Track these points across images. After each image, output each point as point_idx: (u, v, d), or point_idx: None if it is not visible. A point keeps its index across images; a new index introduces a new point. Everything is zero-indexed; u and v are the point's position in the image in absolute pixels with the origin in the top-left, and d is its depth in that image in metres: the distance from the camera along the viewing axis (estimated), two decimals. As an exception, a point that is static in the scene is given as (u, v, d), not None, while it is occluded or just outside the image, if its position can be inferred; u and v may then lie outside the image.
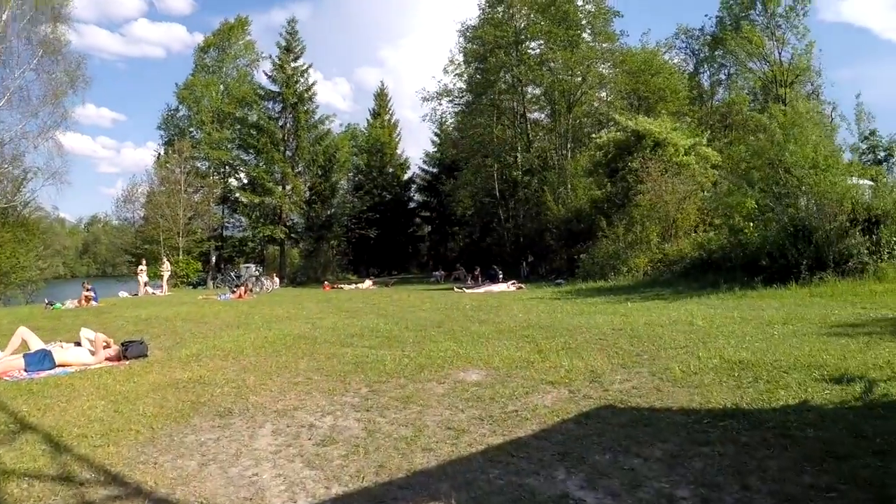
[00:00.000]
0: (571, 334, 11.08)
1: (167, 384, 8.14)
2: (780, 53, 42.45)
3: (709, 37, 46.80)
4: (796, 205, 18.07)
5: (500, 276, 32.93)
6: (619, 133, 31.33)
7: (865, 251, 16.48)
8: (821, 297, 14.80)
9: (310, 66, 51.05)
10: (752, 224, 19.10)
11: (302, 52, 51.00)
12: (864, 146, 18.39)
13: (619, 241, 26.28)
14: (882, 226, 16.79)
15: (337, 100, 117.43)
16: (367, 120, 68.34)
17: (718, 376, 7.27)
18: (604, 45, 42.81)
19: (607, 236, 27.19)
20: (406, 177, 66.64)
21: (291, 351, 10.53)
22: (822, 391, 6.39)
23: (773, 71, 41.57)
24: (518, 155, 44.19)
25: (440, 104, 49.00)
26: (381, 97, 69.81)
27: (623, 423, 5.78)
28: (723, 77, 47.98)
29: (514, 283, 28.14)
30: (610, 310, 15.11)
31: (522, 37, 42.96)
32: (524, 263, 38.61)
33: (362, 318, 15.72)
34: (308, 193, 50.21)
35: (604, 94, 43.95)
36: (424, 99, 48.47)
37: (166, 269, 36.41)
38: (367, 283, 37.49)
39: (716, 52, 46.25)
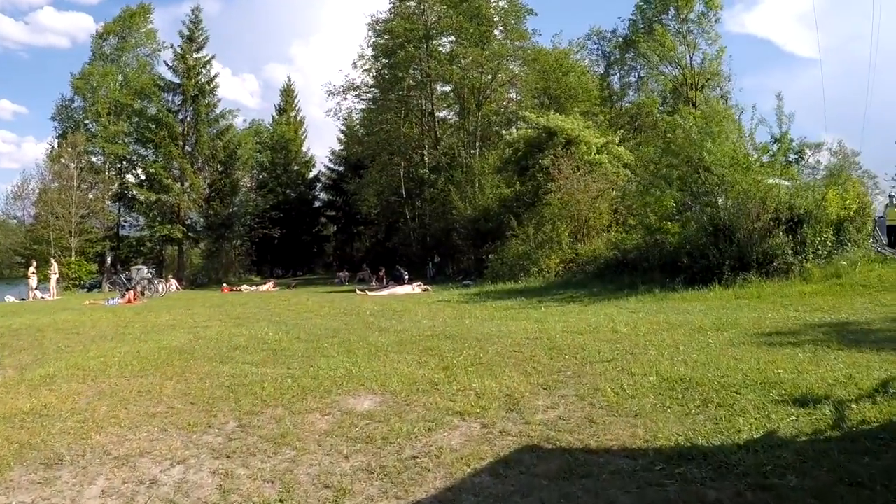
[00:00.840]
0: (482, 345, 9.71)
1: (1, 418, 6.52)
2: (691, 58, 42.58)
3: (621, 39, 46.61)
4: (716, 204, 17.29)
5: (406, 277, 31.57)
6: (529, 130, 30.46)
7: (790, 251, 15.84)
8: (747, 298, 14.01)
9: (213, 56, 48.23)
10: (670, 223, 18.28)
11: (205, 43, 48.21)
12: (775, 148, 17.77)
13: (529, 241, 25.15)
14: (805, 225, 16.18)
15: (245, 96, 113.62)
16: (273, 116, 65.67)
17: (660, 399, 6.06)
18: (515, 43, 42.07)
19: (517, 236, 26.06)
20: (311, 175, 64.39)
21: (161, 370, 8.85)
22: (788, 417, 5.32)
23: (683, 74, 41.63)
24: (425, 153, 43.00)
25: (345, 99, 47.36)
26: (288, 93, 67.16)
27: (553, 474, 4.44)
28: (633, 80, 47.92)
29: (419, 285, 26.91)
30: (523, 315, 13.92)
31: (433, 32, 41.82)
32: (430, 264, 37.51)
33: (252, 325, 14.09)
34: (207, 191, 47.45)
35: (513, 93, 43.18)
36: (330, 93, 46.72)
37: (53, 271, 33.32)
38: (269, 285, 35.69)
39: (626, 55, 46.11)
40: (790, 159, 18.50)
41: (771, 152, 17.89)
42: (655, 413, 5.64)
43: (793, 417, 5.29)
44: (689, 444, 4.82)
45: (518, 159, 30.91)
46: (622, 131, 34.96)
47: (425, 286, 26.84)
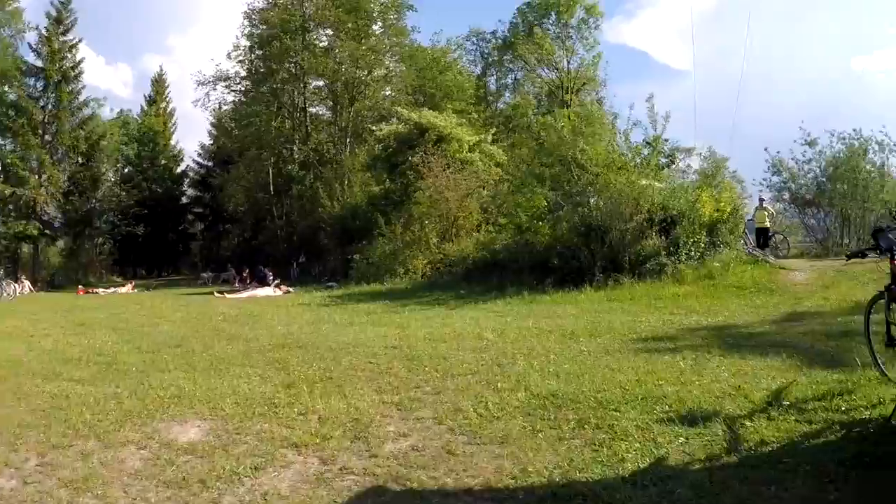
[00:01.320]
0: (335, 356, 8.59)
1: None
2: (568, 62, 43.05)
3: (500, 41, 46.59)
4: (588, 204, 16.85)
5: (270, 277, 29.86)
6: (401, 126, 29.48)
7: (663, 252, 15.51)
8: (620, 300, 13.49)
9: (80, 40, 44.29)
10: (541, 223, 17.69)
11: (73, 25, 44.15)
12: (647, 152, 17.61)
13: (396, 241, 24.23)
14: (678, 226, 15.91)
15: (118, 86, 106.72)
16: (142, 107, 61.34)
17: (529, 421, 5.15)
18: (394, 39, 41.30)
19: (384, 235, 25.06)
20: (179, 170, 60.57)
21: (-26, 389, 7.22)
22: (676, 440, 4.58)
23: (560, 78, 41.98)
24: (295, 148, 41.36)
25: (215, 89, 44.60)
26: (159, 83, 62.69)
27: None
28: (510, 81, 47.97)
29: (281, 287, 25.55)
30: (385, 319, 12.89)
31: (311, 24, 40.37)
32: (294, 265, 36.11)
33: (93, 334, 12.41)
34: (66, 184, 43.68)
35: (388, 90, 42.16)
36: (199, 83, 43.82)
37: None
38: (128, 286, 33.16)
39: (505, 57, 46.13)
40: (662, 162, 18.33)
41: (644, 154, 17.61)
42: (525, 439, 4.73)
43: (682, 440, 4.56)
44: (564, 480, 3.97)
45: (388, 156, 29.91)
46: (495, 130, 34.61)
47: (288, 288, 25.57)
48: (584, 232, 16.19)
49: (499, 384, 6.34)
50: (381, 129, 31.84)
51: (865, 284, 13.72)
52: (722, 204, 16.83)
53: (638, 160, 17.32)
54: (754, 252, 17.45)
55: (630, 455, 4.29)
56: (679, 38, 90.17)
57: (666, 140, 18.05)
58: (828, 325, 9.35)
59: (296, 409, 5.85)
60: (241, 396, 6.42)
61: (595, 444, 4.52)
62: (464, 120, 32.19)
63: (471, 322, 11.52)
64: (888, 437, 4.40)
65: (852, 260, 6.64)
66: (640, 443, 4.51)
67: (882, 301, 5.76)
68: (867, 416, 4.78)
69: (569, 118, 19.04)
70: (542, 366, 7.15)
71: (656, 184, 16.88)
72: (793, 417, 4.83)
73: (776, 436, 4.49)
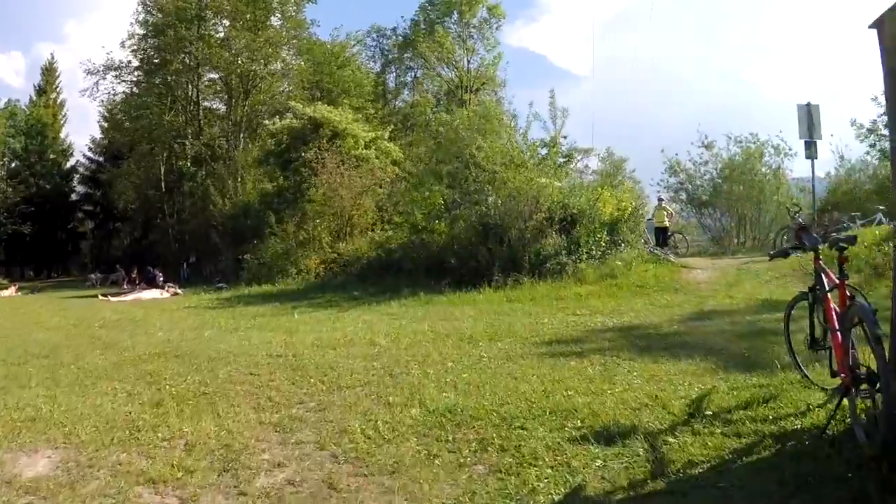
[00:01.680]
0: (213, 367, 7.64)
1: None
2: (468, 62, 42.78)
3: (401, 38, 45.87)
4: (487, 202, 16.33)
5: (160, 278, 28.10)
6: (295, 121, 28.26)
7: (564, 251, 15.05)
8: (520, 301, 12.93)
9: None
10: (438, 222, 17.06)
11: None
12: (545, 151, 17.34)
13: (289, 240, 23.25)
14: (579, 225, 15.55)
15: (10, 76, 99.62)
16: (31, 97, 57.20)
17: (425, 444, 4.45)
18: (292, 32, 40.15)
19: (276, 234, 24.04)
20: (69, 165, 56.81)
21: None
22: (592, 462, 3.99)
23: (460, 77, 41.67)
24: (188, 143, 39.38)
25: (104, 79, 41.72)
26: (49, 72, 58.12)
27: None
28: (409, 79, 47.31)
29: (170, 288, 24.11)
30: (272, 324, 11.96)
31: (207, 13, 38.62)
32: (184, 265, 34.45)
33: None
34: (-54, 180, 40.25)
35: (285, 84, 40.76)
36: (88, 72, 40.94)
37: None
38: (11, 289, 30.53)
39: (405, 55, 45.48)
40: (560, 162, 18.04)
41: (543, 153, 17.26)
42: (419, 467, 4.01)
43: (599, 462, 3.96)
44: (467, 522, 3.18)
45: (281, 152, 28.62)
46: (393, 128, 33.89)
47: (177, 289, 24.08)
48: (483, 231, 15.67)
49: (391, 398, 5.60)
50: (274, 124, 30.57)
51: (768, 282, 13.76)
52: (623, 203, 16.62)
53: (536, 158, 16.93)
54: (655, 251, 17.31)
55: (542, 485, 3.65)
56: (580, 44, 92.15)
57: (564, 137, 17.82)
58: (737, 324, 9.06)
59: (160, 434, 4.96)
60: (102, 418, 5.45)
61: (501, 472, 3.85)
62: (360, 116, 31.32)
63: (363, 326, 10.75)
64: (825, 451, 3.90)
65: (776, 259, 6.51)
66: (551, 468, 3.88)
67: (804, 301, 5.39)
68: (798, 427, 4.30)
69: (467, 116, 18.44)
70: (439, 375, 6.45)
71: (556, 182, 16.53)
72: (719, 430, 4.30)
73: (704, 454, 3.95)
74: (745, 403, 4.84)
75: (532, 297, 13.16)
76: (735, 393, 5.16)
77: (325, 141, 25.12)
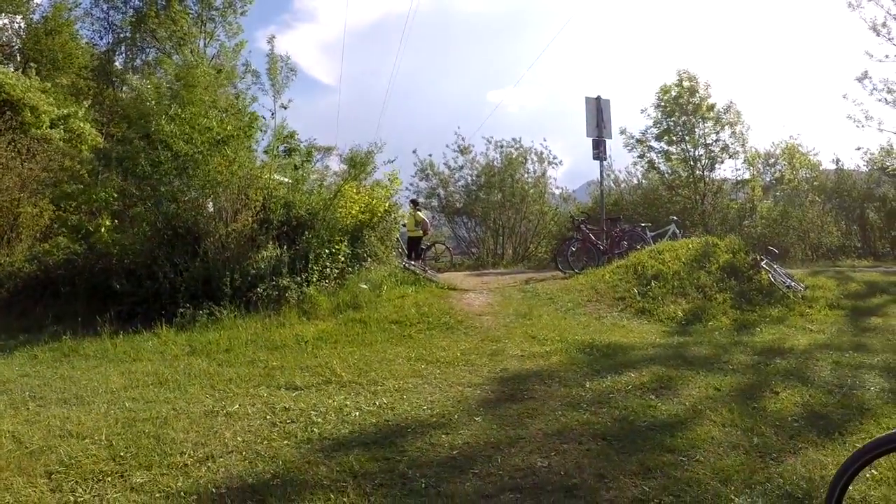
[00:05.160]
0: None
1: None
2: (205, 45, 37.40)
3: (133, 13, 39.26)
4: (175, 196, 11.27)
5: None
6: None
7: (285, 269, 10.47)
8: (208, 353, 8.20)
9: None
10: (105, 226, 11.84)
11: None
12: (283, 148, 13.37)
13: None
14: (308, 232, 11.04)
15: None
16: None
17: None
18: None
19: None
20: None
21: None
22: None
23: (196, 63, 36.09)
24: None
25: None
26: None
27: None
28: (139, 63, 40.69)
29: None
30: None
31: None
32: None
33: None
34: None
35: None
36: None
37: None
38: None
39: (137, 34, 38.99)
40: (295, 163, 13.72)
41: (262, 130, 12.82)
42: None
43: None
44: None
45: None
46: (88, 104, 27.36)
47: None
48: (169, 238, 10.69)
49: None
50: None
51: (571, 311, 10.28)
52: (373, 202, 12.44)
53: (251, 135, 12.25)
54: (412, 266, 13.16)
55: None
56: (328, 55, 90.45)
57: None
58: (575, 404, 5.58)
59: None
60: None
61: None
62: (50, 86, 24.64)
63: None
64: None
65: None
66: None
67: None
68: None
69: (159, 80, 13.45)
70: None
71: (279, 176, 12.05)
72: None
73: None
74: None
75: (229, 347, 8.45)
76: None
77: (-8, 110, 18.56)
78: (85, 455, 4.58)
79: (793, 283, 11.98)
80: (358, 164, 12.96)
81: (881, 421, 5.20)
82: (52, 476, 4.25)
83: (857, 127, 19.85)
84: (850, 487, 2.57)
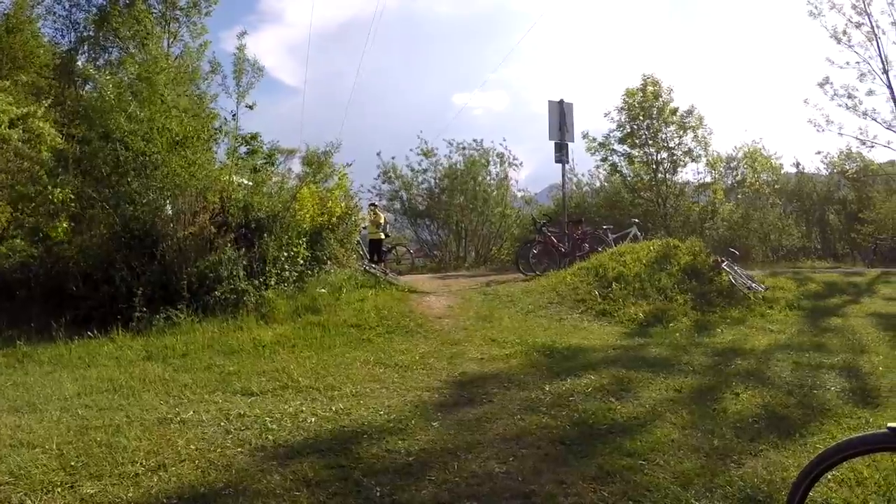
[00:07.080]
0: None
1: None
2: (168, 45, 36.94)
3: (95, 12, 38.66)
4: (132, 197, 11.10)
5: None
6: None
7: (243, 273, 10.39)
8: (165, 358, 8.08)
9: None
10: (61, 227, 11.67)
11: None
12: (245, 150, 13.40)
13: None
14: (267, 235, 10.95)
15: None
16: None
17: None
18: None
19: None
20: None
21: None
22: None
23: (158, 63, 35.58)
24: None
25: None
26: None
27: None
28: (102, 63, 40.05)
29: None
30: None
31: None
32: None
33: None
34: None
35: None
36: None
37: None
38: None
39: (101, 33, 38.39)
40: (257, 165, 13.62)
41: (222, 128, 12.69)
42: None
43: None
44: None
45: None
46: (48, 103, 26.96)
47: None
48: (126, 241, 10.52)
49: None
50: None
51: (532, 313, 10.34)
52: (330, 203, 12.38)
53: (207, 135, 12.13)
54: (372, 269, 13.14)
55: None
56: (293, 58, 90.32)
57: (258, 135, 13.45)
58: (534, 407, 5.58)
59: None
60: None
61: None
62: (9, 84, 24.24)
63: None
64: None
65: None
66: None
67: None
68: None
69: (127, 72, 13.33)
70: None
71: (238, 178, 11.97)
72: None
73: None
74: None
75: (186, 351, 8.34)
76: None
77: (-58, 110, 18.21)
78: (35, 465, 4.49)
79: (753, 285, 12.18)
80: (315, 165, 12.97)
81: (842, 421, 5.31)
82: (1, 487, 4.18)
83: (818, 131, 20.07)
84: (811, 492, 2.62)
